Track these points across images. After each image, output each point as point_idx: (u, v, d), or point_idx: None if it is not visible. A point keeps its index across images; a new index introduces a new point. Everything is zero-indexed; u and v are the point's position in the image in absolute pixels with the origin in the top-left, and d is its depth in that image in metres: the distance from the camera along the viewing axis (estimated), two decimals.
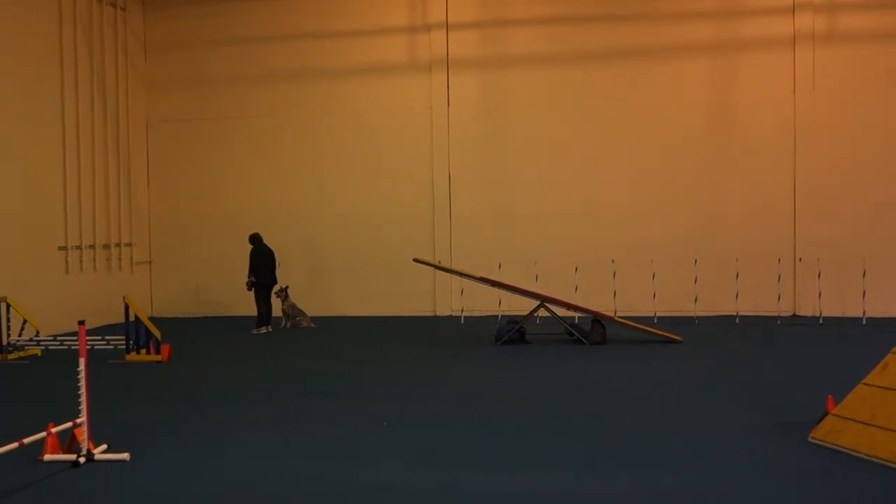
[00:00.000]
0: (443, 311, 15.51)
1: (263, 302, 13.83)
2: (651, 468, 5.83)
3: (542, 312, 12.24)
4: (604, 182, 15.02)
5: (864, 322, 13.42)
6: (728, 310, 14.27)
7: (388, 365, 10.47)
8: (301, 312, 14.29)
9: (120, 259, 15.74)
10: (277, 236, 15.14)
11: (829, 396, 6.79)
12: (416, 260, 12.91)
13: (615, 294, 13.95)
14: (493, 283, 12.37)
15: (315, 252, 16.04)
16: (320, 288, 15.88)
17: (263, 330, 13.71)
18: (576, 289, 13.86)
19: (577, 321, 12.82)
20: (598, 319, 11.95)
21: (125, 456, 6.22)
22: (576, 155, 15.18)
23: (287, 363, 10.75)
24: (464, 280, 13.67)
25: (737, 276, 14.02)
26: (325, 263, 16.01)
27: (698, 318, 14.03)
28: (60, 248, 14.21)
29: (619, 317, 12.50)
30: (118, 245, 15.69)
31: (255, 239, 14.07)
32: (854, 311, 13.85)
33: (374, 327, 14.13)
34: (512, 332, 11.86)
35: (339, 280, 15.94)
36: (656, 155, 14.88)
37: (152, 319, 12.47)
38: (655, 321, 13.47)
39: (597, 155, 15.10)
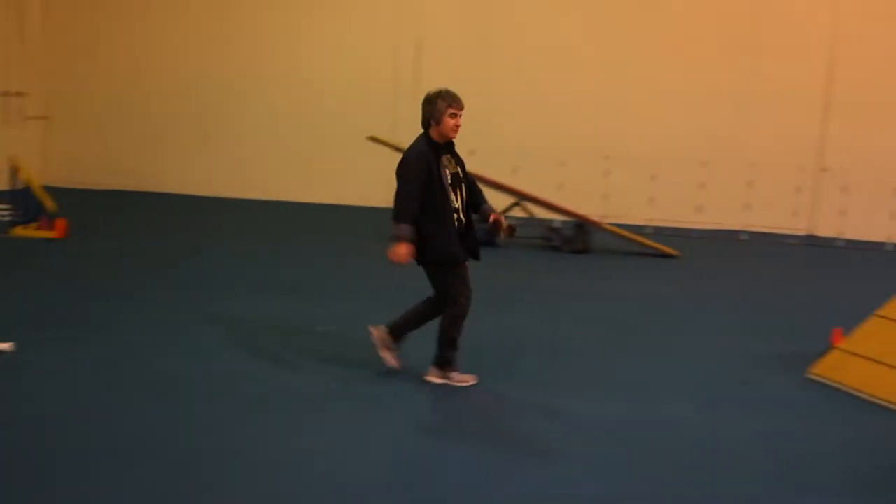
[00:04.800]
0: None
1: None
2: (627, 395, 6.05)
3: (519, 212, 12.34)
4: (605, 65, 14.87)
5: (890, 248, 13.76)
6: (735, 224, 14.49)
7: (333, 262, 10.56)
8: None
9: (6, 111, 15.35)
10: (203, 94, 14.87)
11: (837, 329, 7.03)
12: (371, 138, 12.81)
13: (606, 197, 14.08)
14: None
15: (240, 119, 15.74)
16: (243, 165, 15.71)
17: None
18: (560, 187, 13.93)
19: (559, 225, 12.96)
20: (582, 225, 12.10)
21: (8, 346, 6.26)
22: (575, 29, 14.96)
23: (216, 251, 10.79)
24: None
25: (749, 184, 14.18)
26: (255, 135, 15.75)
27: (700, 231, 14.26)
28: None
29: (607, 223, 12.65)
30: (4, 94, 15.27)
31: None
32: (879, 234, 14.17)
33: (319, 216, 14.14)
34: (480, 231, 11.91)
35: (273, 158, 15.77)
36: (668, 36, 14.71)
37: (48, 188, 12.32)
38: (650, 231, 13.67)
39: (601, 31, 14.90)
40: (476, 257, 6.08)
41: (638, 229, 13.24)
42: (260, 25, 15.57)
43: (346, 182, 15.48)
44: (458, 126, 5.85)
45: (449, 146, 5.95)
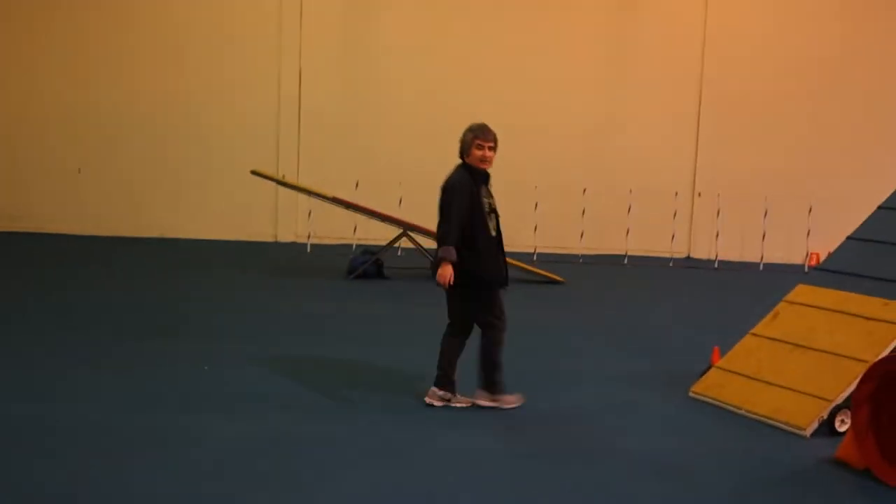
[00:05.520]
0: (285, 236, 15.38)
1: None
2: (518, 419, 6.12)
3: (405, 243, 12.37)
4: (484, 95, 15.11)
5: (761, 268, 14.40)
6: (617, 249, 14.91)
7: (215, 297, 10.34)
8: None
9: None
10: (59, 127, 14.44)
11: (715, 348, 7.30)
12: (254, 172, 12.67)
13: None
14: (349, 206, 12.36)
15: (118, 153, 15.31)
16: (129, 201, 15.28)
17: None
18: None
19: None
20: None
21: None
22: (454, 56, 15.19)
23: (90, 289, 10.42)
24: (312, 200, 13.56)
25: (629, 210, 14.63)
26: (135, 169, 15.32)
27: (583, 256, 14.60)
28: None
29: None
30: None
31: None
32: (752, 255, 14.82)
33: (201, 252, 13.85)
34: (367, 263, 11.94)
35: (152, 193, 15.35)
36: (546, 70, 15.12)
37: None
38: (535, 258, 13.93)
39: (478, 62, 15.18)
40: (505, 284, 6.34)
41: (525, 257, 13.47)
42: (144, 56, 15.20)
43: (233, 217, 15.22)
44: (486, 157, 6.19)
45: (486, 178, 6.28)
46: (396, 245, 12.43)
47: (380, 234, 13.23)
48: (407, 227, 12.24)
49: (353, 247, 14.14)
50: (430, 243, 12.57)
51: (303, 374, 7.09)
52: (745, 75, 15.07)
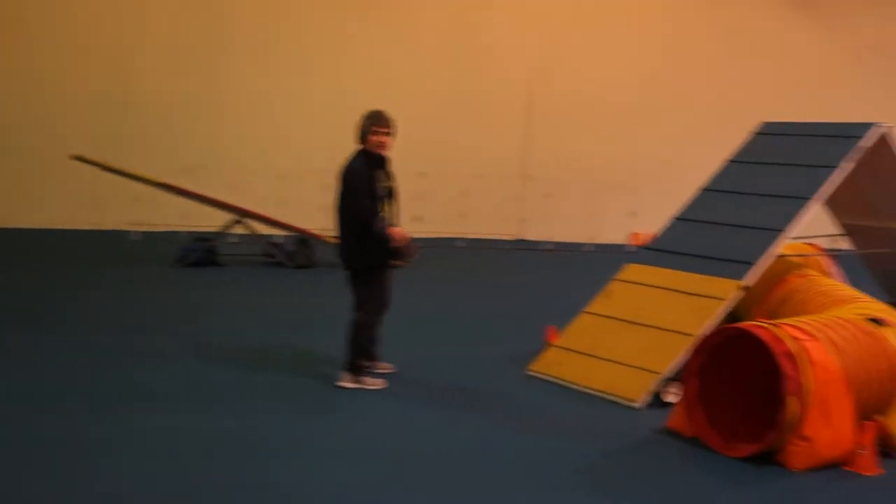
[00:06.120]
0: (108, 223, 14.63)
1: None
2: (347, 408, 6.08)
3: (240, 229, 12.09)
4: (321, 79, 14.95)
5: (591, 248, 14.93)
6: (452, 232, 15.07)
7: (32, 288, 9.75)
8: None
9: None
10: None
11: (551, 327, 7.50)
12: (75, 157, 12.01)
13: (327, 210, 14.09)
14: (179, 192, 11.93)
15: None
16: None
17: None
18: (280, 202, 13.79)
19: (281, 240, 12.83)
20: (305, 239, 12.06)
21: None
22: (290, 42, 14.93)
23: None
24: (140, 186, 12.97)
25: (463, 193, 14.81)
26: None
27: (420, 240, 14.64)
28: None
29: (331, 236, 12.67)
30: None
31: None
32: (581, 236, 15.33)
33: (22, 242, 13.01)
34: (199, 251, 11.59)
35: None
36: (384, 59, 15.11)
37: None
38: None
39: (315, 45, 14.97)
40: (395, 267, 6.70)
41: None
42: None
43: (53, 204, 14.35)
44: (381, 143, 6.49)
45: (382, 162, 6.58)
46: (230, 231, 12.10)
47: (213, 221, 12.78)
48: (241, 213, 11.95)
49: (184, 234, 13.68)
50: (266, 230, 12.34)
51: (145, 367, 6.81)
52: (572, 62, 15.51)
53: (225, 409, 5.93)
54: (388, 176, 6.66)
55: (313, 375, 6.80)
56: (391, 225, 6.47)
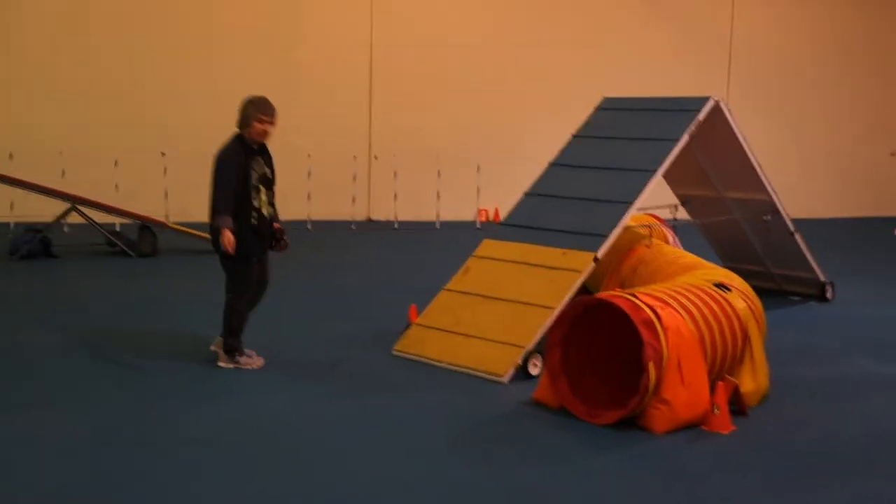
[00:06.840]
0: None
1: None
2: (220, 392, 5.92)
3: (75, 218, 11.51)
4: (149, 51, 14.37)
5: (438, 226, 15.06)
6: (299, 214, 14.84)
7: None
8: None
9: None
10: None
11: (412, 306, 7.51)
12: None
13: (167, 195, 13.61)
14: (3, 180, 11.24)
15: None
16: None
17: None
18: (116, 188, 13.20)
19: (119, 228, 12.33)
20: (147, 226, 11.61)
21: None
22: (140, 20, 14.35)
23: None
24: None
25: (308, 174, 14.60)
26: None
27: None
28: None
29: (173, 223, 12.25)
30: None
31: None
32: (428, 214, 15.44)
33: None
34: (32, 242, 10.95)
35: None
36: (218, 34, 14.72)
37: None
38: None
39: (167, 24, 14.46)
40: (264, 253, 6.61)
41: (204, 227, 12.97)
42: None
43: None
44: (265, 132, 6.32)
45: (261, 148, 6.42)
46: (64, 221, 11.49)
47: (45, 211, 12.06)
48: (75, 201, 11.36)
49: (12, 225, 12.87)
50: (103, 218, 11.78)
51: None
52: (414, 41, 15.54)
53: (83, 402, 5.64)
54: (266, 162, 6.48)
55: (174, 357, 6.57)
56: (227, 228, 6.21)
